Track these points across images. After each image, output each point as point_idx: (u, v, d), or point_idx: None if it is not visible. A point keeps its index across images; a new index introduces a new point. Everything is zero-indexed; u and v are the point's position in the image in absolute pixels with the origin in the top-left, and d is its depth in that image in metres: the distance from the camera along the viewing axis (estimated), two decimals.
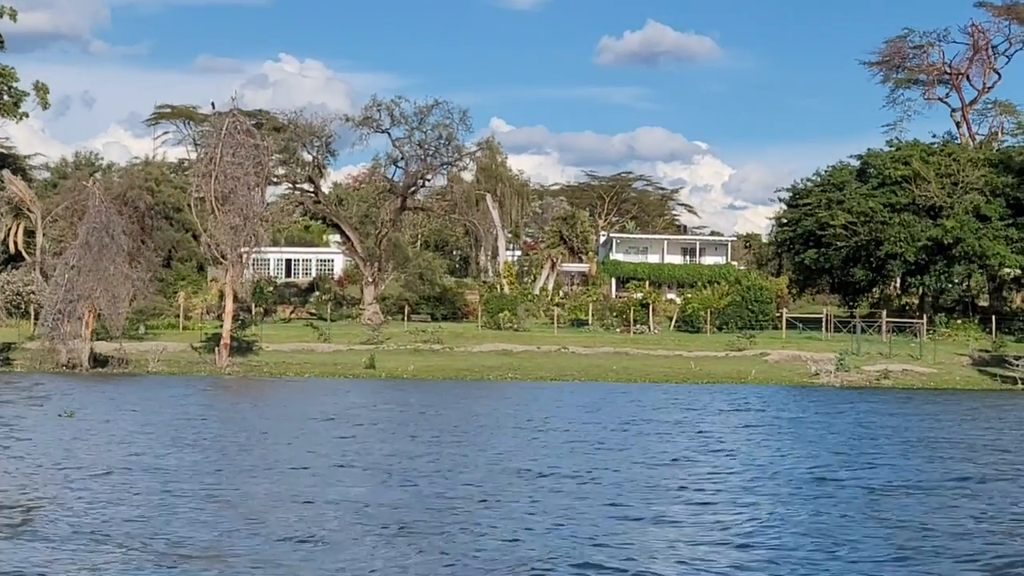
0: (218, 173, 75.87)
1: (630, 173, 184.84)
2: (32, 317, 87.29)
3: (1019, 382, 76.87)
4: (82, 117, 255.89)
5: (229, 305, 77.28)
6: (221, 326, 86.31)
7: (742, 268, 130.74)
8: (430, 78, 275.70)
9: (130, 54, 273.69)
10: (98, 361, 73.22)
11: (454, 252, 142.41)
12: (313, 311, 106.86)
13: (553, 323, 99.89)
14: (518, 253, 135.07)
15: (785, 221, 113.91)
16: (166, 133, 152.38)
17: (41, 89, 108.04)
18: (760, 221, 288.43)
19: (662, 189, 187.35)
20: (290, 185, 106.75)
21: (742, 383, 74.96)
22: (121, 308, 73.14)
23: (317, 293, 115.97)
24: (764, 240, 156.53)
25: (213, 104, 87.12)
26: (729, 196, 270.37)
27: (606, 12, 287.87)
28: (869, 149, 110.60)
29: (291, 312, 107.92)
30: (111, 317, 72.90)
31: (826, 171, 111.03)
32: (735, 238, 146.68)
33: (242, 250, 76.85)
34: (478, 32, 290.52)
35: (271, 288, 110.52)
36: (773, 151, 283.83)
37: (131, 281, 73.92)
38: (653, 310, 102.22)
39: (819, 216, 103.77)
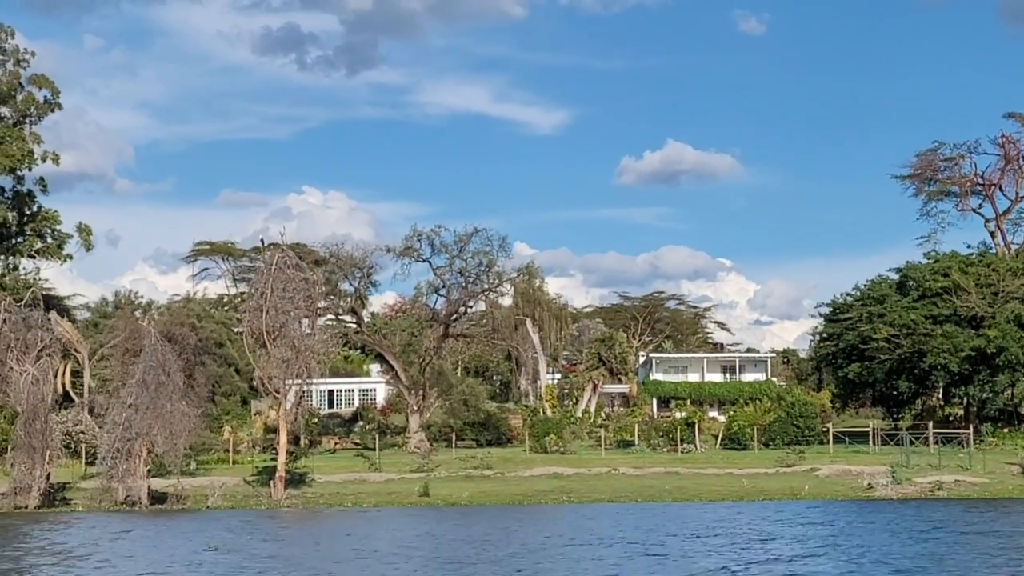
0: (269, 308, 76.46)
1: (662, 293, 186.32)
2: (83, 457, 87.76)
3: None
4: (108, 255, 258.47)
5: (283, 438, 77.47)
6: (269, 459, 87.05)
7: (782, 384, 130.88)
8: (453, 204, 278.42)
9: (154, 191, 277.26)
10: (155, 498, 73.43)
11: (494, 377, 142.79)
12: (358, 441, 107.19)
13: (600, 445, 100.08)
14: (558, 376, 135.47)
15: (825, 336, 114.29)
16: (205, 270, 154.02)
17: (84, 231, 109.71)
18: (787, 336, 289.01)
19: (694, 308, 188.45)
20: (332, 316, 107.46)
21: (796, 499, 74.81)
22: (179, 445, 73.51)
23: (361, 423, 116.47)
24: (802, 355, 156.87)
25: (263, 240, 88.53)
26: (755, 312, 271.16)
27: (626, 133, 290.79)
28: (908, 262, 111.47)
29: (336, 443, 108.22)
30: (169, 454, 73.28)
31: (865, 285, 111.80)
32: (773, 354, 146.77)
33: (294, 383, 77.22)
34: (499, 158, 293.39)
35: (315, 419, 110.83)
36: (797, 266, 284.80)
37: (187, 418, 74.33)
38: (699, 429, 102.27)
39: (861, 330, 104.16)
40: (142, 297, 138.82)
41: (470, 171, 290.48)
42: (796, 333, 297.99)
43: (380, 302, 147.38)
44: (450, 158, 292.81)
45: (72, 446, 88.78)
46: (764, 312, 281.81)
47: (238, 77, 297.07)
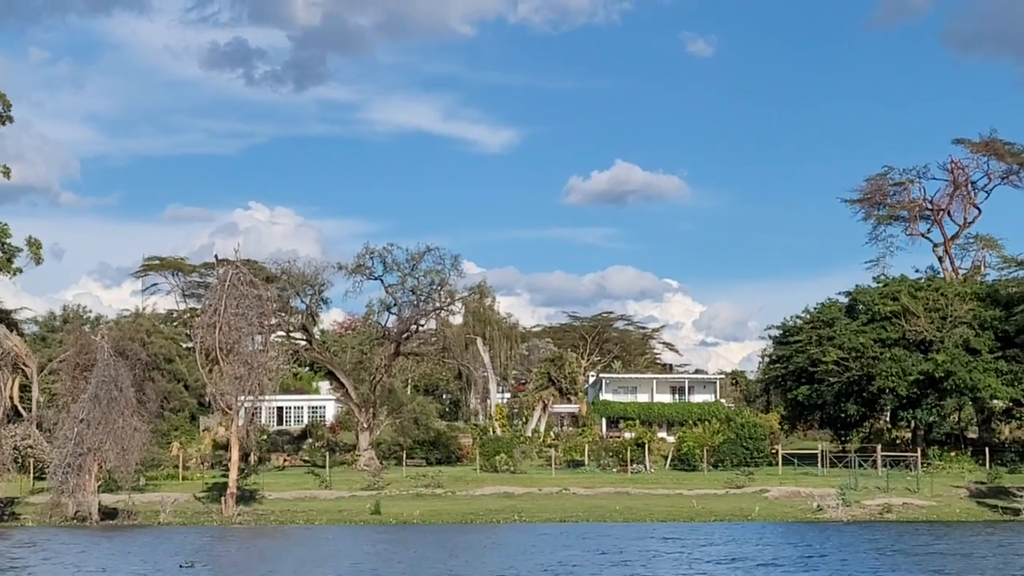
0: (222, 324, 76.36)
1: (611, 313, 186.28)
2: (31, 472, 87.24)
3: (1022, 513, 77.55)
4: (52, 269, 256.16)
5: (234, 455, 77.41)
6: (219, 476, 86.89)
7: (730, 405, 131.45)
8: (400, 222, 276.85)
9: (100, 205, 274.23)
10: (106, 514, 73.11)
11: (444, 396, 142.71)
12: (307, 458, 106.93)
13: (550, 465, 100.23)
14: (507, 395, 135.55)
15: (775, 358, 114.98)
16: (154, 285, 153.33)
17: (34, 244, 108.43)
18: (732, 357, 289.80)
19: (643, 328, 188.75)
20: (283, 333, 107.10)
21: (747, 521, 75.37)
22: (131, 460, 73.28)
23: (310, 440, 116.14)
24: (749, 377, 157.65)
25: (216, 256, 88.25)
26: (700, 333, 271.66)
27: (574, 153, 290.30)
28: (857, 286, 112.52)
29: (284, 460, 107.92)
30: (120, 469, 73.03)
31: (815, 308, 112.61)
32: (722, 375, 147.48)
33: (246, 399, 77.04)
34: (447, 176, 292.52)
35: (264, 436, 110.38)
36: (743, 288, 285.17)
37: (139, 433, 74.08)
38: (648, 449, 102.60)
39: (810, 353, 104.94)
40: (90, 312, 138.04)
41: (418, 189, 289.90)
42: (742, 355, 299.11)
43: (329, 319, 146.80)
44: (398, 176, 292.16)
45: (20, 461, 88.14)
46: (710, 333, 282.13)
47: (185, 92, 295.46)
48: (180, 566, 46.72)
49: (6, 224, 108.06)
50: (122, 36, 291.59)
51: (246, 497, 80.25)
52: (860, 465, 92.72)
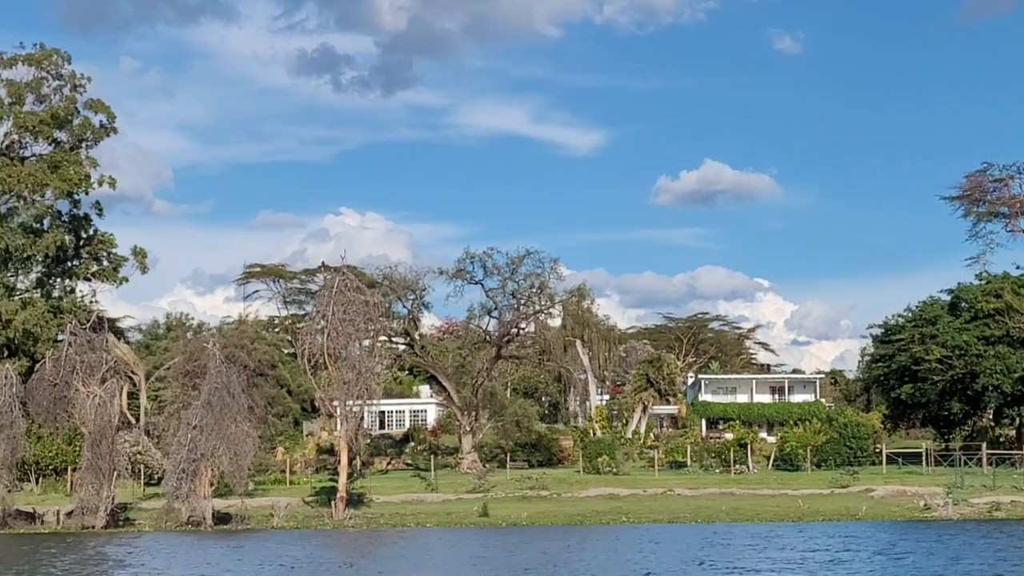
0: (330, 330, 77.29)
1: (706, 314, 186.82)
2: (141, 477, 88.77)
3: None
4: (147, 277, 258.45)
5: (344, 459, 78.24)
6: (324, 480, 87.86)
7: (830, 405, 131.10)
8: (490, 226, 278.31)
9: (192, 213, 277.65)
10: (219, 519, 74.18)
11: (543, 398, 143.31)
12: (409, 462, 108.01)
13: (652, 466, 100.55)
14: (606, 397, 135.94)
15: (877, 357, 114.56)
16: (255, 292, 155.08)
17: (139, 254, 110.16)
18: (825, 356, 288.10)
19: (738, 328, 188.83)
20: (385, 338, 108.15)
21: (854, 520, 74.99)
22: (244, 465, 74.27)
23: (412, 444, 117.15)
24: (847, 376, 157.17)
25: (323, 263, 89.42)
26: (792, 332, 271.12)
27: (662, 153, 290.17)
28: (960, 283, 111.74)
29: (388, 463, 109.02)
30: (234, 475, 74.02)
31: (917, 306, 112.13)
32: (821, 375, 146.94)
33: (355, 403, 77.84)
34: (536, 179, 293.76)
35: (368, 440, 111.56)
36: (835, 286, 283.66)
37: (251, 438, 75.04)
38: (751, 450, 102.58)
39: (913, 351, 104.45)
40: (192, 319, 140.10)
41: (507, 192, 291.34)
42: (834, 353, 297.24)
43: (426, 323, 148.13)
44: (487, 179, 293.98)
45: (131, 467, 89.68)
46: (801, 332, 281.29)
47: (275, 99, 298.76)
48: (340, 566, 48.04)
49: (111, 234, 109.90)
50: (211, 44, 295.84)
51: (354, 501, 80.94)
52: (965, 463, 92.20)
